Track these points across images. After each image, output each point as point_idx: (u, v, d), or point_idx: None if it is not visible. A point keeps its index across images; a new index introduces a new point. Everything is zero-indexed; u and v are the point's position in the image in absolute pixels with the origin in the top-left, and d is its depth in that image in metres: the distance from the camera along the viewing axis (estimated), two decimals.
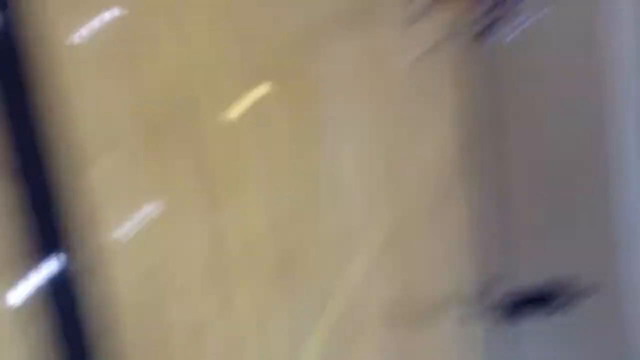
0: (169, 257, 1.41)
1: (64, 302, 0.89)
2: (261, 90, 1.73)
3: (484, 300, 4.84)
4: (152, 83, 1.14)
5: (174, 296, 1.49)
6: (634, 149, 4.03)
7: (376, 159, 2.80)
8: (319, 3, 1.98)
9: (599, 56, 3.38)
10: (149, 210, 1.21)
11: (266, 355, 1.88)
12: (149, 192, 1.23)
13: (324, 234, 2.22)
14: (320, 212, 2.22)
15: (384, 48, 2.41)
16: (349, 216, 2.51)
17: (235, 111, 1.61)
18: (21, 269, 0.77)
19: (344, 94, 2.23)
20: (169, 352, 1.49)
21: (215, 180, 1.57)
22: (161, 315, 1.44)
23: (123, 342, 1.15)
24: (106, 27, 1.00)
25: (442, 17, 2.82)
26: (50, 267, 0.85)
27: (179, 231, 1.43)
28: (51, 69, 0.83)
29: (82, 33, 0.96)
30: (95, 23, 0.98)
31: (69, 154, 0.84)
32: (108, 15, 1.01)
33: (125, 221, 1.10)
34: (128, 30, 1.05)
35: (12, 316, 0.79)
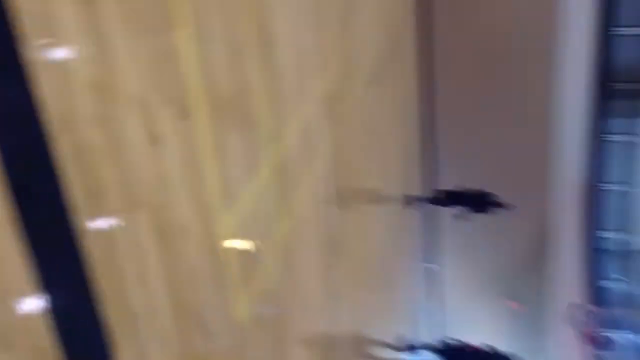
0: (118, 72, 1.55)
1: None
2: None
3: (416, 192, 5.95)
4: None
5: (129, 109, 1.60)
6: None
7: (331, 16, 3.31)
8: None
9: None
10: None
11: (223, 174, 2.10)
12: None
13: (272, 78, 2.56)
14: (272, 58, 2.57)
15: None
16: (299, 63, 2.94)
17: None
18: None
19: None
20: (128, 159, 1.60)
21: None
22: (118, 126, 1.56)
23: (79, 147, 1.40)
24: None
25: None
26: None
27: (126, 52, 1.59)
28: None
29: None
30: None
31: None
32: None
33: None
34: None
35: None
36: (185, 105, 1.96)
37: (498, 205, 9.79)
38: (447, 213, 13.72)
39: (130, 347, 1.66)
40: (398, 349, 8.56)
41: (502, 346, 8.59)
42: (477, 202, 9.66)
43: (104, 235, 1.55)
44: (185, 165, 1.95)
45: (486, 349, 8.92)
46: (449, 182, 10.53)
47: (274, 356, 2.85)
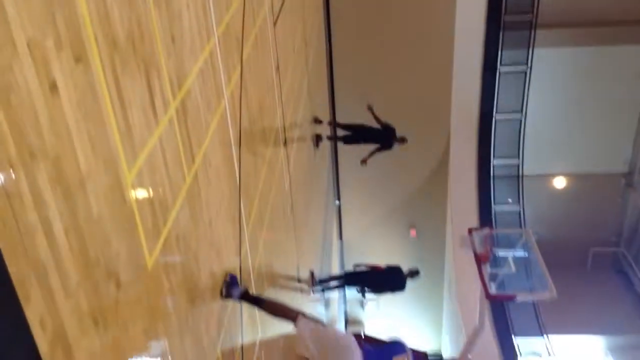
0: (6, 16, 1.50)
1: None
2: None
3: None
4: None
5: (21, 55, 1.56)
6: None
7: None
8: None
9: None
10: None
11: (124, 120, 2.10)
12: None
13: (171, 19, 2.58)
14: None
15: None
16: (199, 2, 2.99)
17: None
18: None
19: None
20: (22, 108, 1.58)
21: None
22: (9, 73, 1.53)
23: None
24: None
25: None
26: None
27: None
28: None
29: None
30: None
31: None
32: None
33: None
34: None
35: None
36: (80, 48, 1.87)
37: (402, 140, 10.09)
38: (346, 149, 13.97)
39: (38, 299, 1.63)
40: (311, 283, 8.83)
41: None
42: (383, 137, 9.89)
43: (1, 188, 1.49)
44: (83, 112, 1.88)
45: (388, 266, 9.35)
46: (353, 119, 10.71)
47: (186, 296, 2.88)
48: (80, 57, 1.86)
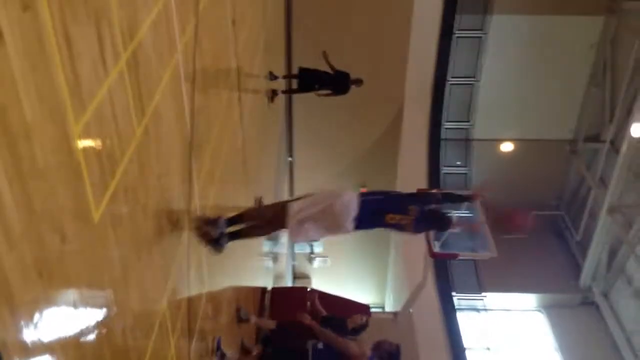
0: None
1: None
2: None
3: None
4: None
5: None
6: None
7: None
8: None
9: None
10: None
11: (72, 70, 2.09)
12: None
13: None
14: None
15: None
16: None
17: None
18: None
19: None
20: None
21: None
22: None
23: None
24: None
25: None
26: None
27: None
28: None
29: None
30: None
31: None
32: None
33: None
34: None
35: None
36: None
37: (357, 82, 10.10)
38: (300, 106, 13.89)
39: None
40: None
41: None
42: (338, 82, 9.90)
43: None
44: (30, 61, 1.83)
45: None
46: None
47: (133, 249, 2.89)
48: (27, 6, 1.81)
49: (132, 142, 2.82)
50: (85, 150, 2.26)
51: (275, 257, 13.10)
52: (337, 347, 5.46)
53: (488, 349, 15.27)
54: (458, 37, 15.06)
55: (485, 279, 15.22)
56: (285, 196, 15.50)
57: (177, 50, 3.63)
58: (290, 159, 16.53)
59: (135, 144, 2.85)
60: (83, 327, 2.28)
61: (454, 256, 10.13)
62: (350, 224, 4.38)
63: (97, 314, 2.42)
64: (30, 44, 1.83)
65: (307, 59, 11.30)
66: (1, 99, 1.69)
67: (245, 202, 7.35)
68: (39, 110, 1.89)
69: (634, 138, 13.68)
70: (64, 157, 2.09)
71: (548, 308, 16.42)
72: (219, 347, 4.89)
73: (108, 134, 2.51)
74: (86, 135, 2.26)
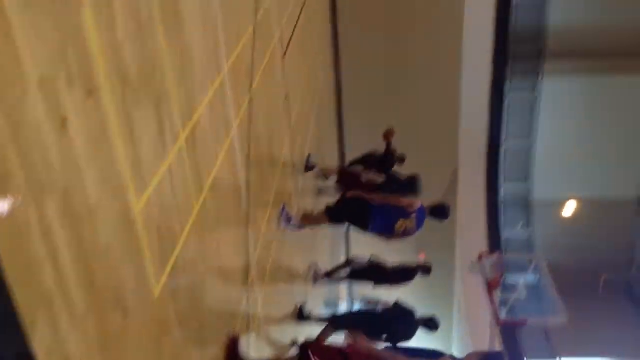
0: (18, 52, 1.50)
1: None
2: None
3: None
4: None
5: (32, 91, 1.59)
6: None
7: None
8: None
9: None
10: None
11: (133, 152, 2.13)
12: None
13: (181, 54, 2.66)
14: (180, 33, 2.68)
15: None
16: (208, 37, 3.09)
17: None
18: None
19: None
20: (33, 143, 1.60)
21: None
22: (21, 109, 1.56)
23: None
24: None
25: None
26: None
27: None
28: None
29: None
30: None
31: None
32: None
33: None
34: None
35: None
36: (92, 83, 1.93)
37: (401, 159, 9.59)
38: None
39: (45, 328, 1.66)
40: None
41: (414, 296, 9.00)
42: (385, 162, 9.49)
43: (11, 220, 1.54)
44: (93, 146, 1.93)
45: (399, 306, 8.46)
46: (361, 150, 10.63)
47: (192, 326, 2.91)
48: (91, 92, 1.92)
49: (190, 217, 2.89)
50: (146, 226, 2.33)
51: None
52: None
53: None
54: (511, 99, 14.99)
55: (557, 344, 14.44)
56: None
57: (233, 126, 3.76)
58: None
59: (193, 218, 2.92)
60: None
61: (523, 323, 9.71)
62: None
63: None
64: (94, 128, 1.94)
65: (359, 143, 11.30)
66: (65, 182, 1.78)
67: (298, 271, 7.34)
68: (101, 192, 1.97)
69: None
70: (125, 235, 2.16)
71: None
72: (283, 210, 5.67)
73: (168, 210, 2.59)
74: (147, 212, 2.34)
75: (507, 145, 15.63)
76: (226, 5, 3.53)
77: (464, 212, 15.00)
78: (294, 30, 6.70)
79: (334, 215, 6.32)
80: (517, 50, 14.33)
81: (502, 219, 15.84)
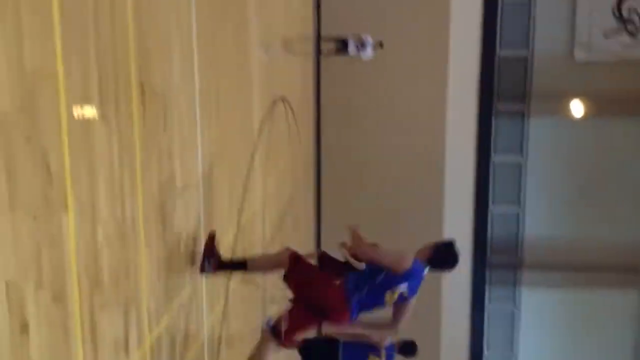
0: None
1: None
2: None
3: None
4: None
5: None
6: None
7: None
8: None
9: None
10: None
11: (95, 353, 1.88)
12: None
13: (159, 253, 2.48)
14: (165, 233, 2.52)
15: None
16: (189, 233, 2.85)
17: None
18: None
19: None
20: None
21: None
22: None
23: None
24: None
25: None
26: None
27: None
28: None
29: None
30: None
31: None
32: None
33: None
34: None
35: None
36: (60, 288, 1.89)
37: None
38: None
39: None
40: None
41: None
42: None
43: None
44: (52, 352, 1.85)
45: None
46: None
47: None
48: (58, 297, 1.89)
49: None
50: None
51: None
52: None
53: None
54: (491, 309, 14.90)
55: None
56: None
57: (204, 325, 3.64)
58: None
59: None
60: None
61: None
62: None
63: None
64: (54, 334, 1.87)
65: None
66: None
67: None
68: None
69: None
70: None
71: None
72: None
73: None
74: None
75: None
76: (208, 214, 3.62)
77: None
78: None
79: (304, 355, 5.94)
80: (494, 261, 14.57)
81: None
